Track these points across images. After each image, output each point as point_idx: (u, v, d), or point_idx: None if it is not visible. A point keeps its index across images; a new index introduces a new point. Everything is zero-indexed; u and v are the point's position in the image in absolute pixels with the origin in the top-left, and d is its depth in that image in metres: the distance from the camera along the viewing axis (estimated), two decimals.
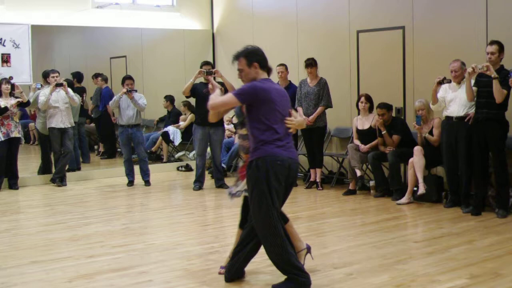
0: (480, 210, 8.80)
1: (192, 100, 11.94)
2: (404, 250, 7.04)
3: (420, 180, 9.41)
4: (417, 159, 9.54)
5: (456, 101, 9.04)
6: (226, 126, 12.21)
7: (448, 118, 9.17)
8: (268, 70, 5.72)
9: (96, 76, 14.67)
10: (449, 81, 9.13)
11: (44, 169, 12.39)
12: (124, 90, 11.35)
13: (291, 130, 5.62)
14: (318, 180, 11.11)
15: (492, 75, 8.39)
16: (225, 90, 10.85)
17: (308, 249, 6.06)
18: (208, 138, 11.10)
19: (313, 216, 8.96)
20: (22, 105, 11.60)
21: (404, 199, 9.61)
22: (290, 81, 11.51)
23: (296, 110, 11.08)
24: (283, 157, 5.48)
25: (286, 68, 11.44)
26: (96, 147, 15.55)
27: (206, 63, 11.28)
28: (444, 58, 9.58)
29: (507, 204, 8.80)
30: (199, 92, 10.98)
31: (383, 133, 10.17)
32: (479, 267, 6.28)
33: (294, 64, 11.95)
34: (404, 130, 10.22)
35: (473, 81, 8.73)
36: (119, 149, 13.91)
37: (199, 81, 11.08)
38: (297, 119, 5.69)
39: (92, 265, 6.58)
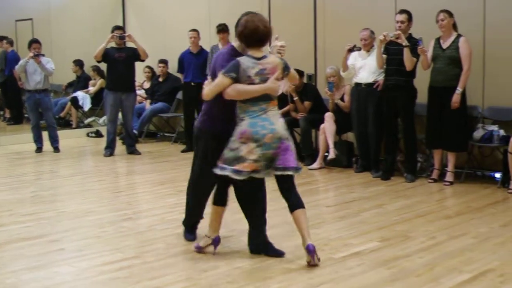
0: (389, 175, 8.99)
1: (103, 65, 11.71)
2: (317, 214, 7.11)
3: (331, 145, 9.52)
4: (328, 125, 9.64)
5: (365, 68, 9.18)
6: (137, 92, 12.06)
7: (358, 84, 9.31)
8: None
9: (0, 39, 14.25)
10: (359, 49, 9.26)
11: None
12: (31, 54, 11.01)
13: None
14: None
15: (403, 43, 8.54)
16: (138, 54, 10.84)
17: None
18: (120, 103, 10.95)
19: None
20: None
21: (315, 164, 9.71)
22: (201, 46, 11.46)
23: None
24: None
25: (198, 34, 11.39)
26: (1, 112, 15.17)
27: (117, 27, 11.14)
28: (354, 26, 9.66)
29: (415, 169, 9.02)
30: (111, 56, 10.83)
31: (294, 99, 10.22)
32: (390, 230, 6.41)
33: (205, 30, 11.86)
34: (315, 96, 10.30)
35: (382, 49, 8.87)
36: (26, 115, 13.58)
37: (111, 45, 10.91)
38: None
39: (1, 234, 6.40)
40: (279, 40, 5.62)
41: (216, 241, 5.63)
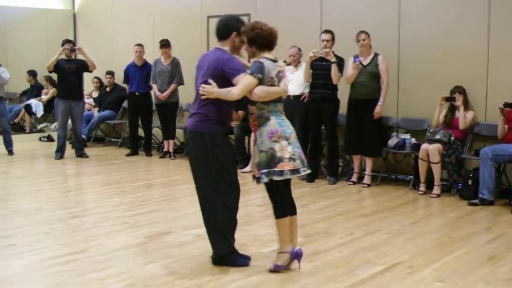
0: (313, 177, 9.05)
1: (54, 75, 11.55)
2: (248, 213, 7.12)
3: None
4: None
5: (293, 81, 9.21)
6: (86, 100, 11.97)
7: (287, 96, 9.33)
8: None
9: None
10: (289, 64, 9.31)
11: None
12: None
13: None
14: (171, 150, 11.10)
15: (332, 60, 8.65)
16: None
17: None
18: (70, 111, 10.82)
19: (167, 183, 8.91)
20: None
21: (247, 168, 9.71)
22: (145, 59, 11.39)
23: (151, 87, 11.02)
24: None
25: (143, 48, 11.33)
26: None
27: (67, 41, 11.04)
28: (283, 43, 9.66)
29: (337, 172, 9.12)
30: (62, 67, 10.74)
31: None
32: (313, 227, 6.47)
33: (149, 45, 11.78)
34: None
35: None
36: None
37: (62, 57, 10.79)
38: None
39: None
40: None
41: (294, 254, 5.07)
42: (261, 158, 4.92)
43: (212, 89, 4.79)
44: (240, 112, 10.16)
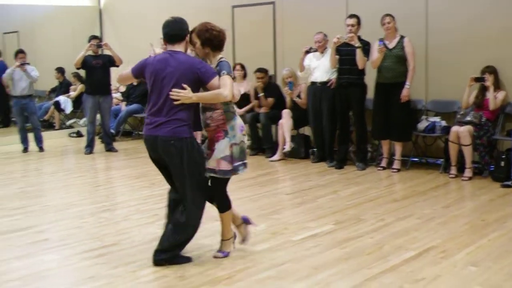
0: (342, 164, 9.02)
1: (82, 72, 11.62)
2: (277, 201, 7.13)
3: (287, 139, 9.55)
4: (285, 121, 9.66)
5: (319, 68, 9.18)
6: (114, 95, 12.02)
7: (313, 83, 9.31)
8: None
9: None
10: (315, 50, 9.26)
11: None
12: (17, 63, 10.95)
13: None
14: (199, 141, 11.07)
15: (356, 45, 8.57)
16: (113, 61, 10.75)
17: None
18: (98, 106, 10.89)
19: None
20: None
21: (275, 156, 9.71)
22: None
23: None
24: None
25: None
26: None
27: (94, 37, 11.10)
28: (309, 30, 9.65)
29: (366, 158, 9.06)
30: (89, 64, 10.78)
31: (260, 95, 10.20)
32: (343, 214, 6.43)
33: None
34: (277, 93, 10.25)
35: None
36: (13, 119, 13.40)
37: (89, 53, 10.84)
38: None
39: None
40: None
41: (244, 219, 5.35)
42: (235, 150, 4.98)
43: (189, 94, 4.77)
44: (270, 99, 10.16)
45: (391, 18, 8.53)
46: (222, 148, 4.96)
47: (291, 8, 10.57)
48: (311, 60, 9.30)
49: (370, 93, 8.86)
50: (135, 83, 12.86)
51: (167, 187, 5.26)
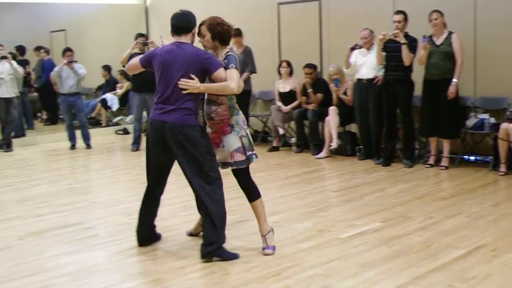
0: (389, 161, 8.95)
1: None
2: (324, 199, 7.12)
3: (334, 136, 9.51)
4: (332, 118, 9.62)
5: (366, 64, 9.13)
6: None
7: (359, 80, 9.26)
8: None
9: (38, 48, 14.29)
10: (361, 47, 9.21)
11: None
12: (65, 61, 11.14)
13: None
14: None
15: (402, 41, 8.50)
16: None
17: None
18: (144, 103, 10.95)
19: None
20: None
21: (322, 154, 9.68)
22: None
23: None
24: None
25: None
26: (39, 114, 15.20)
27: (140, 35, 11.17)
28: (355, 26, 9.60)
29: (413, 156, 8.97)
30: None
31: (308, 91, 10.17)
32: (391, 212, 6.39)
33: None
34: (326, 89, 10.16)
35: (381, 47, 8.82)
36: (61, 116, 13.60)
37: (135, 51, 10.91)
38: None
39: (41, 223, 6.44)
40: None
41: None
42: (245, 142, 5.16)
43: (196, 84, 4.91)
44: (319, 95, 10.12)
45: (438, 14, 8.42)
46: (233, 140, 5.14)
47: (337, 4, 10.53)
48: (357, 56, 9.25)
49: (418, 90, 8.76)
50: None
51: None
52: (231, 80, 4.93)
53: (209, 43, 5.13)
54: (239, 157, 5.13)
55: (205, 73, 5.00)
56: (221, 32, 5.10)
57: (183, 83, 4.93)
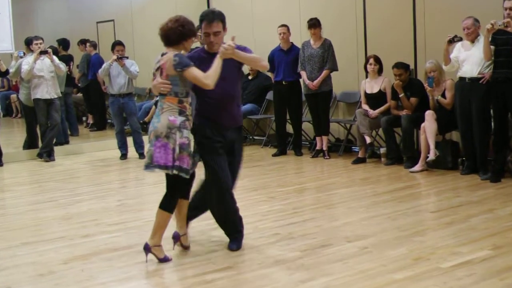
0: (499, 176, 8.81)
1: None
2: (420, 221, 7.06)
3: (431, 146, 9.38)
4: (428, 124, 9.50)
5: (469, 60, 8.99)
6: None
7: (461, 79, 9.13)
8: None
9: (82, 42, 14.60)
10: (460, 39, 9.08)
11: (29, 144, 12.34)
12: (115, 57, 11.27)
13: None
14: (324, 148, 11.12)
15: None
16: None
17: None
18: None
19: (321, 187, 8.96)
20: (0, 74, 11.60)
21: (417, 167, 9.60)
22: (292, 43, 11.50)
23: (299, 75, 11.12)
24: None
25: (288, 29, 11.42)
26: (84, 118, 15.53)
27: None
28: (456, 15, 9.51)
29: None
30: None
31: (400, 95, 10.10)
32: (502, 237, 6.28)
33: (296, 25, 11.87)
34: (421, 92, 10.03)
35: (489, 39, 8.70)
36: (109, 120, 13.87)
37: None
38: None
39: (88, 245, 6.56)
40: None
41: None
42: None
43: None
44: (413, 100, 10.04)
45: None
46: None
47: None
48: (459, 51, 9.14)
49: None
50: (250, 77, 12.96)
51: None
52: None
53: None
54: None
55: None
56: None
57: None
